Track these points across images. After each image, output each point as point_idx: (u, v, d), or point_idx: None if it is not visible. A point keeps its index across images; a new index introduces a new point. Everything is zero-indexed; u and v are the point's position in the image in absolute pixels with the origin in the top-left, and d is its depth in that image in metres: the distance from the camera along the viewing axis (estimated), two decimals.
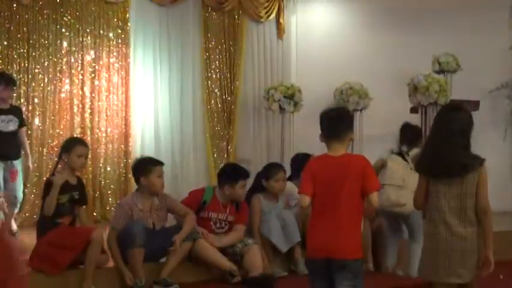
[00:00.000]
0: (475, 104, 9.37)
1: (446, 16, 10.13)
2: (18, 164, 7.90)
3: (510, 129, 10.51)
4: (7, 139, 7.69)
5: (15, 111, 7.85)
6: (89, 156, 9.02)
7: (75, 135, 8.97)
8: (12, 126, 7.67)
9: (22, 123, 7.88)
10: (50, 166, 8.68)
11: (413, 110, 9.47)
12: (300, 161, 7.20)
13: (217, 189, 6.81)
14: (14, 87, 8.00)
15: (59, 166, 6.29)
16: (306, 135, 9.11)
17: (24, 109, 8.85)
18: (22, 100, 9.03)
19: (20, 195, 7.97)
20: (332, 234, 4.36)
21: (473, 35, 10.08)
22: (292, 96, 9.94)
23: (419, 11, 10.30)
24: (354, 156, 4.96)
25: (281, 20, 10.77)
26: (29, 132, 8.96)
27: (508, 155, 10.47)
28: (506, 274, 7.57)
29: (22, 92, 9.06)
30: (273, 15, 10.71)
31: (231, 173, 6.96)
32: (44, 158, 9.06)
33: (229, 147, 10.24)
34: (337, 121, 4.64)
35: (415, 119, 9.29)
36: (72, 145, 6.19)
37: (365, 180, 4.38)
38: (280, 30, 10.80)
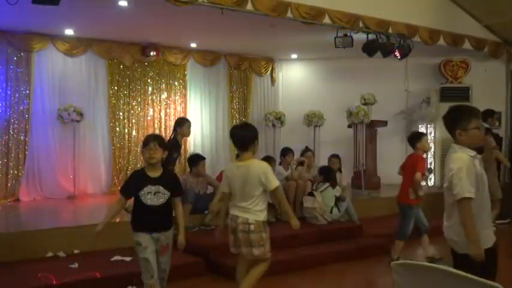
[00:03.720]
0: (385, 123, 9.76)
1: (368, 71, 10.26)
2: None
3: (405, 136, 9.97)
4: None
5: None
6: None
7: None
8: None
9: None
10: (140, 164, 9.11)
11: (349, 126, 9.66)
12: (284, 151, 7.75)
13: None
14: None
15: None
16: (287, 141, 9.59)
17: (127, 126, 9.28)
18: (126, 121, 9.31)
19: None
20: None
21: (384, 81, 10.23)
22: (279, 118, 10.40)
23: (353, 69, 10.39)
24: None
25: (274, 74, 11.15)
26: (129, 139, 9.33)
27: (404, 150, 9.84)
28: None
29: (126, 116, 9.34)
30: (269, 71, 11.07)
31: (238, 155, 7.42)
32: (138, 154, 9.16)
33: None
34: None
35: (350, 132, 9.82)
36: (183, 122, 6.39)
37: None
38: (273, 80, 11.16)
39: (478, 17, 9.51)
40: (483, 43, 9.59)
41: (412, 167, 5.79)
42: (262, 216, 4.06)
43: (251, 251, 4.03)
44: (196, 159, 6.91)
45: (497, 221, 8.39)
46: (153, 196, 3.84)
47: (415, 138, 6.00)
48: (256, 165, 4.04)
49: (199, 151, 9.04)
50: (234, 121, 10.61)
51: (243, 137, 4.11)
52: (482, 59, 10.05)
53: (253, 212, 4.01)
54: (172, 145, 6.11)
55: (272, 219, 6.95)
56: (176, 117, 6.46)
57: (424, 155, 6.31)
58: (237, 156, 4.59)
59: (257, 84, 11.05)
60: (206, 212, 6.55)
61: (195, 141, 10.09)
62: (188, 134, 6.31)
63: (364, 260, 6.18)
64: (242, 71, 10.80)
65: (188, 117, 9.82)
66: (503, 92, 10.26)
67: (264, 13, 6.93)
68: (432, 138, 10.11)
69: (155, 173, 3.90)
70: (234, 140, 4.18)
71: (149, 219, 3.85)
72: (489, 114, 8.67)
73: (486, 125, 8.54)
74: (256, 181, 3.98)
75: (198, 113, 10.23)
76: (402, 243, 5.93)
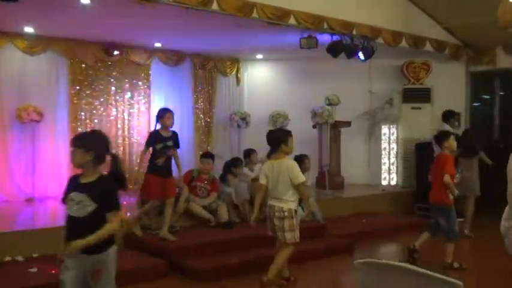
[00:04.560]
0: (349, 123, 9.86)
1: (332, 72, 10.32)
2: None
3: (368, 136, 10.73)
4: None
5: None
6: (126, 151, 9.53)
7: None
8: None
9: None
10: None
11: (314, 127, 9.74)
12: (248, 151, 7.91)
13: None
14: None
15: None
16: (252, 141, 9.58)
17: (89, 126, 9.00)
18: (88, 121, 9.09)
19: None
20: None
21: (348, 82, 10.33)
22: (245, 118, 10.38)
23: (317, 70, 10.47)
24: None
25: (239, 75, 11.09)
26: None
27: (367, 151, 10.66)
28: None
29: (88, 116, 9.13)
30: (234, 71, 11.02)
31: (203, 155, 7.50)
32: None
33: (208, 147, 10.37)
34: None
35: (314, 132, 9.85)
36: (164, 112, 6.08)
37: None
38: (238, 80, 11.10)
39: (439, 20, 9.72)
40: (444, 45, 9.82)
41: (441, 167, 5.72)
42: (294, 205, 4.82)
43: (284, 235, 4.79)
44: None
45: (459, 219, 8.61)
46: (77, 205, 3.07)
47: (443, 137, 5.92)
48: (286, 163, 4.82)
49: None
50: (199, 121, 10.55)
51: (272, 138, 4.95)
52: (443, 61, 10.28)
53: (286, 201, 4.77)
54: (151, 138, 6.02)
55: (236, 219, 7.05)
56: (157, 110, 6.25)
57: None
58: (268, 155, 5.26)
59: (222, 84, 10.99)
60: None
61: None
62: (170, 125, 6.15)
63: (328, 259, 6.26)
64: (207, 71, 10.72)
65: (151, 117, 9.74)
66: (463, 93, 10.51)
67: (230, 13, 6.90)
68: (394, 138, 10.28)
69: (87, 178, 3.15)
70: (267, 141, 5.01)
71: (71, 233, 3.04)
72: (451, 115, 8.86)
73: (447, 126, 8.76)
74: (286, 176, 4.73)
75: None
76: (454, 245, 5.80)
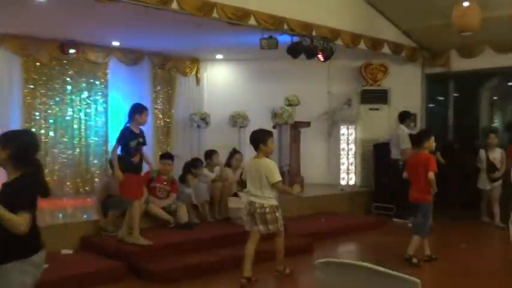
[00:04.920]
0: (308, 124, 9.79)
1: (292, 73, 10.39)
2: None
3: (327, 137, 10.85)
4: None
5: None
6: (83, 152, 9.36)
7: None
8: None
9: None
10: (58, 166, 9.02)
11: (274, 127, 9.50)
12: (230, 153, 7.90)
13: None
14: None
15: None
16: (212, 141, 9.62)
17: (43, 126, 8.85)
18: (42, 121, 8.86)
19: None
20: None
21: (307, 83, 10.44)
22: (204, 119, 10.29)
23: (277, 71, 10.48)
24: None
25: (198, 75, 10.99)
26: (46, 140, 8.86)
27: (326, 151, 10.81)
28: None
29: (43, 116, 8.90)
30: (194, 72, 10.92)
31: (162, 155, 7.40)
32: (56, 156, 8.94)
33: (167, 148, 10.25)
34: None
35: (274, 132, 9.27)
36: (143, 109, 5.93)
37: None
38: (198, 80, 11.00)
39: (397, 23, 9.92)
40: (401, 48, 10.02)
41: (424, 166, 5.93)
42: (274, 201, 5.17)
43: (268, 227, 5.16)
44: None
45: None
46: None
47: (424, 137, 6.14)
48: (264, 162, 5.10)
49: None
50: (158, 121, 10.42)
51: (253, 138, 5.22)
52: (400, 63, 10.50)
53: (266, 198, 5.10)
54: (126, 134, 5.79)
55: (196, 220, 7.01)
56: (133, 105, 5.99)
57: None
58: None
59: (182, 84, 10.88)
60: None
61: None
62: (145, 122, 6.04)
63: (288, 259, 6.24)
64: (166, 71, 10.60)
65: (109, 117, 9.74)
66: (419, 94, 10.76)
67: (190, 12, 6.84)
68: (353, 139, 10.44)
69: (6, 179, 2.90)
70: (249, 141, 5.30)
71: None
72: (406, 116, 9.08)
73: (403, 126, 8.97)
74: (264, 175, 5.01)
75: (120, 113, 9.82)
76: (421, 240, 6.02)
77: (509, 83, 11.28)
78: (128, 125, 5.85)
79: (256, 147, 5.16)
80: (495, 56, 9.69)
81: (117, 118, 9.72)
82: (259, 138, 5.16)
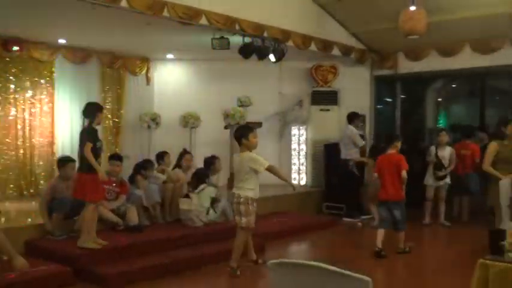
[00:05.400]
0: (260, 124, 9.58)
1: (244, 74, 10.34)
2: None
3: (279, 136, 10.89)
4: None
5: None
6: (27, 153, 9.07)
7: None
8: None
9: None
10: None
11: (226, 128, 9.69)
12: (180, 154, 7.83)
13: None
14: None
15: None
16: (163, 142, 9.50)
17: None
18: None
19: None
20: None
21: (259, 84, 10.45)
22: (155, 119, 10.16)
23: (229, 71, 10.40)
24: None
25: (148, 74, 10.86)
26: None
27: (278, 152, 10.75)
28: None
29: None
30: (144, 71, 10.78)
31: (111, 157, 7.22)
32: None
33: (116, 149, 10.05)
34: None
35: (226, 133, 9.75)
36: (101, 108, 5.81)
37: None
38: (148, 80, 10.87)
39: (346, 26, 10.10)
40: (350, 50, 10.22)
41: (397, 165, 6.46)
42: (251, 193, 5.45)
43: (240, 219, 5.47)
44: (64, 162, 6.57)
45: (363, 216, 9.05)
46: None
47: (396, 138, 6.77)
48: (247, 155, 5.44)
49: (68, 153, 8.47)
50: (107, 122, 10.19)
51: (236, 135, 5.57)
52: (350, 65, 10.69)
53: (244, 189, 5.43)
54: (94, 134, 5.61)
55: (146, 222, 6.91)
56: (87, 104, 5.77)
57: None
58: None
59: (131, 84, 10.71)
60: (76, 218, 6.22)
61: (64, 143, 9.53)
62: (101, 122, 5.89)
63: (240, 259, 6.26)
64: (115, 70, 10.39)
65: (56, 117, 9.45)
66: (368, 95, 11.00)
67: (139, 11, 6.73)
68: (304, 139, 10.54)
69: None
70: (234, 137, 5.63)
71: None
72: (355, 117, 9.26)
73: (351, 127, 9.15)
74: (246, 167, 5.37)
75: (67, 114, 9.67)
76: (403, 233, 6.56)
77: (453, 85, 11.72)
78: (92, 124, 5.67)
79: (240, 142, 5.48)
80: (440, 59, 10.03)
81: (64, 118, 9.50)
82: (241, 134, 5.47)
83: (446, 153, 8.50)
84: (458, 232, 8.14)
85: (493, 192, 6.23)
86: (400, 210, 6.50)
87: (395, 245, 6.57)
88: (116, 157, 7.21)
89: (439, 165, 8.48)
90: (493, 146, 6.37)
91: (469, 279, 3.02)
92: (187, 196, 7.12)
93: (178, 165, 7.79)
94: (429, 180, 8.59)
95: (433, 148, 8.62)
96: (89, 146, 5.48)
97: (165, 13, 7.00)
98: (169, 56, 10.83)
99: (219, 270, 5.86)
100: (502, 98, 11.32)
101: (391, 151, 6.66)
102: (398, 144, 6.72)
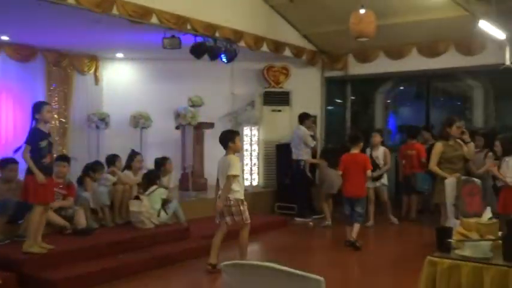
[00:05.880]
0: (211, 125, 9.85)
1: (195, 74, 10.27)
2: None
3: None
4: None
5: None
6: None
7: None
8: None
9: None
10: None
11: (177, 128, 9.62)
12: (130, 155, 7.67)
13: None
14: None
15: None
16: (112, 143, 9.39)
17: None
18: None
19: None
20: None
21: (211, 84, 10.35)
22: (104, 119, 9.94)
23: (180, 71, 10.31)
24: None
25: (97, 73, 10.63)
26: None
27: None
28: None
29: None
30: (92, 70, 10.53)
31: (57, 157, 6.89)
32: None
33: (64, 150, 9.80)
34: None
35: (177, 133, 9.73)
36: (41, 106, 5.54)
37: None
38: (96, 79, 10.63)
39: (298, 27, 10.20)
40: (302, 51, 10.32)
41: (362, 165, 6.96)
42: (239, 195, 5.68)
43: (234, 218, 5.68)
44: (5, 163, 6.36)
45: (315, 216, 9.16)
46: None
47: (359, 139, 7.15)
48: (229, 158, 5.68)
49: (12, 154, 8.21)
50: (54, 122, 9.85)
51: (222, 138, 5.81)
52: (301, 66, 10.81)
53: (232, 191, 5.61)
54: (35, 134, 5.39)
55: (95, 225, 6.76)
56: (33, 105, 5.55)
57: None
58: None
59: (79, 83, 10.43)
60: (20, 222, 6.02)
61: (7, 143, 9.07)
62: (50, 119, 5.70)
63: (191, 261, 6.25)
64: (62, 69, 10.10)
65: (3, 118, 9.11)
66: (319, 97, 11.14)
67: (87, 8, 6.55)
68: (256, 140, 10.56)
69: None
70: (219, 141, 5.85)
71: None
72: (306, 117, 9.36)
73: (303, 127, 9.24)
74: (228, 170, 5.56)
75: (11, 114, 9.34)
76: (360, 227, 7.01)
77: (401, 87, 12.03)
78: (35, 125, 5.47)
79: (226, 145, 5.73)
80: (388, 61, 10.28)
81: (8, 118, 9.20)
82: (228, 137, 5.76)
83: (379, 153, 8.56)
84: (406, 230, 8.37)
85: (439, 191, 6.42)
86: (361, 205, 6.98)
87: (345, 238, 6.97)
88: (62, 158, 7.01)
89: (373, 165, 8.19)
90: (438, 146, 6.56)
91: (417, 275, 3.09)
92: (137, 198, 7.00)
93: (128, 166, 7.64)
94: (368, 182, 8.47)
95: (367, 150, 8.60)
96: (27, 148, 5.32)
97: (115, 11, 6.86)
98: (119, 55, 10.63)
99: (170, 273, 5.79)
100: (446, 100, 11.72)
101: (355, 151, 7.06)
102: (361, 145, 7.18)
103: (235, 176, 5.61)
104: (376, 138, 8.66)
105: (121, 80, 10.97)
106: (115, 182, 7.26)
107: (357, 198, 6.93)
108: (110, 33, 8.33)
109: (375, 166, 8.32)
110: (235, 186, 5.67)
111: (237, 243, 5.87)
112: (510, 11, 7.85)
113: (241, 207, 5.70)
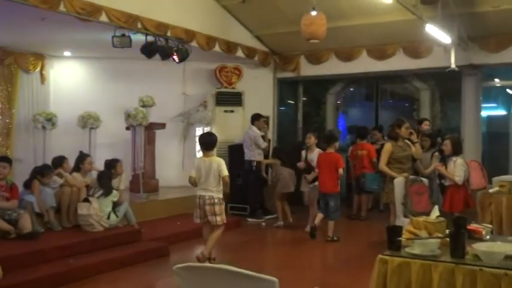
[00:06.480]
0: (163, 125, 9.75)
1: (147, 73, 10.18)
2: None
3: (183, 138, 10.79)
4: None
5: None
6: None
7: None
8: None
9: None
10: None
11: (128, 129, 9.43)
12: (78, 157, 7.46)
13: None
14: None
15: None
16: (60, 144, 9.09)
17: None
18: None
19: None
20: None
21: (162, 84, 10.26)
22: (50, 119, 9.55)
23: (131, 70, 10.21)
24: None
25: (43, 72, 10.31)
26: None
27: (181, 153, 10.70)
28: None
29: None
30: (38, 68, 10.20)
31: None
32: None
33: (7, 151, 9.54)
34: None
35: (128, 134, 9.54)
36: None
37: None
38: (43, 78, 10.31)
39: (250, 28, 10.24)
40: (254, 52, 10.36)
41: (334, 163, 7.35)
42: (220, 194, 5.92)
43: (215, 218, 5.87)
44: None
45: (267, 216, 9.20)
46: None
47: (333, 139, 7.60)
48: (216, 160, 5.92)
49: None
50: None
51: (207, 141, 6.02)
52: (253, 67, 10.85)
53: (215, 191, 5.85)
54: None
55: (41, 229, 6.54)
56: None
57: None
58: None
59: (24, 82, 10.08)
60: None
61: None
62: None
63: (143, 264, 6.17)
64: (6, 67, 9.73)
65: None
66: (271, 97, 11.21)
67: (33, 4, 6.34)
68: None
69: None
70: (200, 143, 6.11)
71: None
72: (257, 118, 9.39)
73: (255, 128, 9.28)
74: (216, 171, 5.81)
75: None
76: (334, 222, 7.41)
77: (351, 89, 12.26)
78: None
79: (210, 147, 5.96)
80: (339, 63, 10.47)
81: None
82: (213, 141, 6.02)
83: (314, 155, 8.07)
84: (357, 229, 8.52)
85: (388, 190, 6.58)
86: (334, 201, 7.39)
87: (325, 233, 7.41)
88: (2, 159, 6.77)
89: (307, 168, 8.11)
90: (387, 147, 6.72)
91: (369, 273, 3.15)
92: (86, 200, 6.82)
93: (76, 168, 7.44)
94: (304, 185, 8.26)
95: (303, 152, 8.33)
96: None
97: (62, 8, 6.67)
98: (67, 53, 10.36)
99: (122, 276, 5.68)
100: (395, 101, 12.04)
101: (330, 150, 7.52)
102: (337, 144, 7.61)
103: (226, 176, 5.89)
104: (311, 139, 8.21)
105: (69, 79, 10.69)
106: (62, 184, 7.04)
107: (329, 193, 7.40)
108: (56, 30, 8.10)
109: (309, 169, 8.06)
110: (219, 185, 5.91)
111: (203, 241, 6.11)
112: (455, 15, 8.14)
113: (222, 206, 5.94)
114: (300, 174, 8.54)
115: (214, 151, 6.21)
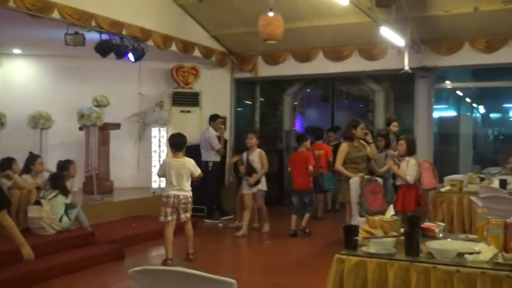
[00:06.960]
0: (118, 125, 9.62)
1: (101, 72, 9.97)
2: None
3: (138, 138, 10.55)
4: None
5: None
6: None
7: None
8: None
9: None
10: None
11: (81, 129, 9.26)
12: (29, 158, 7.24)
13: None
14: None
15: None
16: (9, 145, 8.65)
17: None
18: None
19: None
20: None
21: (117, 83, 10.11)
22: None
23: (85, 69, 9.95)
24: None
25: None
26: None
27: (137, 154, 10.47)
28: None
29: None
30: None
31: None
32: None
33: None
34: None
35: (81, 135, 9.35)
36: None
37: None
38: None
39: (207, 28, 10.18)
40: (211, 52, 10.31)
41: (305, 161, 7.71)
42: (191, 193, 6.24)
43: (187, 215, 6.20)
44: None
45: (224, 217, 9.17)
46: None
47: (303, 139, 8.02)
48: (188, 161, 6.23)
49: None
50: None
51: (178, 142, 6.25)
52: (210, 67, 10.80)
53: (188, 191, 6.17)
54: None
55: None
56: None
57: None
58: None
59: None
60: None
61: None
62: None
63: (98, 268, 6.05)
64: None
65: None
66: (228, 98, 11.19)
67: None
68: (164, 141, 10.40)
69: None
70: (171, 144, 6.32)
71: None
72: (214, 119, 9.35)
73: (211, 129, 9.22)
74: (189, 171, 6.12)
75: None
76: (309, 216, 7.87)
77: (308, 90, 12.39)
78: None
79: (181, 149, 6.18)
80: (296, 64, 10.55)
81: None
82: (184, 142, 6.26)
83: (255, 156, 7.94)
84: (314, 228, 8.56)
85: (344, 190, 6.68)
86: (308, 196, 7.81)
87: (300, 225, 7.86)
88: None
89: (249, 170, 7.94)
90: (343, 147, 6.82)
91: (326, 273, 3.17)
92: (37, 203, 6.61)
93: (26, 170, 7.20)
94: (245, 187, 8.07)
95: (245, 154, 8.11)
96: None
97: (11, 3, 6.44)
98: (17, 50, 10.04)
99: (76, 280, 5.53)
100: (350, 102, 12.23)
101: (302, 149, 7.91)
102: (307, 143, 8.02)
103: (201, 174, 6.36)
104: (252, 140, 8.01)
105: (19, 77, 10.38)
106: (11, 186, 6.79)
107: (303, 190, 7.76)
108: (5, 27, 7.83)
109: (251, 170, 7.91)
110: (189, 185, 6.19)
111: (183, 236, 6.47)
112: (408, 18, 8.34)
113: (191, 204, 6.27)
114: (240, 178, 8.42)
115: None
